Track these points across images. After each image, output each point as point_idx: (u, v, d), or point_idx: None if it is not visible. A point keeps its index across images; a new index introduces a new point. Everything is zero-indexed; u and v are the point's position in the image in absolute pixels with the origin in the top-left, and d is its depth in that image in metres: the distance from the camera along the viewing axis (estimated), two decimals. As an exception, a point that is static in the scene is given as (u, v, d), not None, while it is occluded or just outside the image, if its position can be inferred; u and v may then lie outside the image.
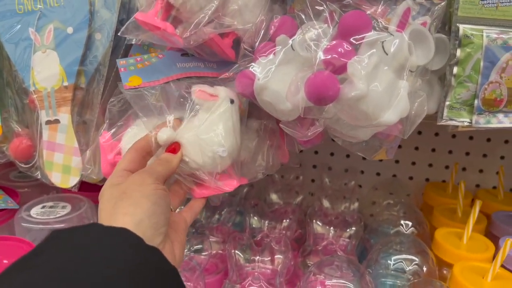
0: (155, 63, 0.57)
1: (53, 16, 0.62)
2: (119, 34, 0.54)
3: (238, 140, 0.55)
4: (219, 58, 0.59)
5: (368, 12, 0.52)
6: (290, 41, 0.51)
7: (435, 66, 0.56)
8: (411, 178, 0.95)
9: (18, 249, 0.63)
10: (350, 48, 0.47)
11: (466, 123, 0.56)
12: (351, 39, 0.47)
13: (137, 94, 0.53)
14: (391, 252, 0.68)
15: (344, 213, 0.79)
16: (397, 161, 0.94)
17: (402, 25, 0.49)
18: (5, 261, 0.60)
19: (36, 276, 0.29)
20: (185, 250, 0.69)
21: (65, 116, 0.63)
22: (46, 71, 0.62)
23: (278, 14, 0.56)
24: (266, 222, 0.75)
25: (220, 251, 0.74)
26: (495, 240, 0.71)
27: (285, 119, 0.53)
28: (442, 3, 0.51)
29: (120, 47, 0.63)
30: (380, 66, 0.46)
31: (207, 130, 0.51)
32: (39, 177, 0.65)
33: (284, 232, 0.75)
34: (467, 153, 0.91)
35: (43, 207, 0.71)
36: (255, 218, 0.74)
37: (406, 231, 0.75)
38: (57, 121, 0.63)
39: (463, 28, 0.54)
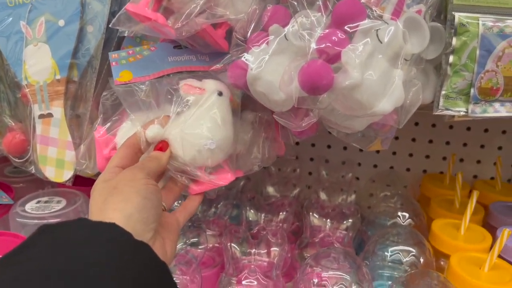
0: (147, 56, 0.57)
1: (44, 8, 0.61)
2: (110, 26, 0.53)
3: (230, 133, 0.54)
4: (212, 49, 0.58)
5: (363, 0, 0.51)
6: (284, 31, 0.51)
7: (431, 55, 0.55)
8: (408, 169, 0.95)
9: (13, 245, 0.62)
10: (344, 36, 0.46)
11: (462, 113, 0.55)
12: (345, 28, 0.46)
13: (127, 90, 0.52)
14: (388, 244, 0.67)
15: (341, 205, 0.79)
16: (394, 153, 0.94)
17: (396, 13, 0.48)
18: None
19: (23, 272, 0.29)
20: (181, 244, 0.69)
21: (58, 110, 0.62)
22: (38, 64, 0.62)
23: (270, 3, 0.55)
24: (263, 215, 0.74)
25: (217, 245, 0.73)
26: (492, 230, 0.71)
27: (279, 109, 0.52)
28: (436, -5, 0.50)
29: (113, 40, 0.62)
30: (375, 55, 0.45)
31: (195, 124, 0.50)
32: (33, 171, 0.65)
33: (280, 224, 0.75)
34: (465, 144, 0.91)
35: (38, 202, 0.71)
36: (252, 211, 0.74)
37: (403, 222, 0.75)
38: (50, 115, 0.63)
39: (458, 16, 0.53)
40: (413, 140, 0.92)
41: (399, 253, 0.66)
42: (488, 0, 0.52)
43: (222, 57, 0.56)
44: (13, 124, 0.66)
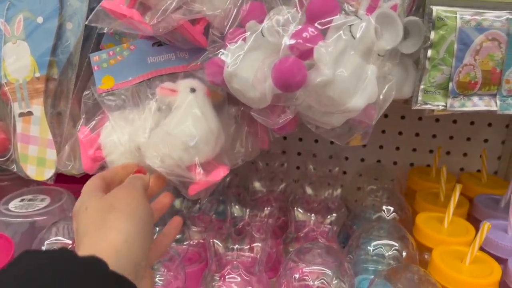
0: (127, 57, 0.57)
1: (22, 6, 0.61)
2: (87, 23, 0.53)
3: (213, 125, 0.54)
4: (191, 45, 0.58)
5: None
6: (260, 27, 0.51)
7: (409, 50, 0.55)
8: (395, 163, 0.95)
9: (-4, 243, 0.63)
10: (317, 32, 0.46)
11: (441, 107, 0.55)
12: (318, 24, 0.46)
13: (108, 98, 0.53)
14: (372, 238, 0.67)
15: (327, 200, 0.79)
16: (381, 147, 0.94)
17: (371, 9, 0.48)
18: (-17, 256, 0.60)
19: None
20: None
21: (38, 108, 0.62)
22: (17, 62, 0.61)
23: (248, -1, 0.55)
24: (248, 210, 0.74)
25: (202, 240, 0.73)
26: (477, 223, 0.71)
27: (256, 106, 0.52)
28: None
29: (92, 36, 0.61)
30: (347, 51, 0.45)
31: (173, 125, 0.51)
32: (15, 170, 0.65)
33: (266, 220, 0.75)
34: (451, 137, 0.91)
35: (22, 200, 0.71)
36: (237, 207, 0.74)
37: (388, 216, 0.75)
38: (30, 113, 0.62)
39: (436, 10, 0.53)
40: (400, 133, 0.92)
41: (381, 247, 0.66)
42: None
43: (201, 53, 0.56)
44: (-6, 122, 0.66)
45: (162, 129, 0.53)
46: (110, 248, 0.35)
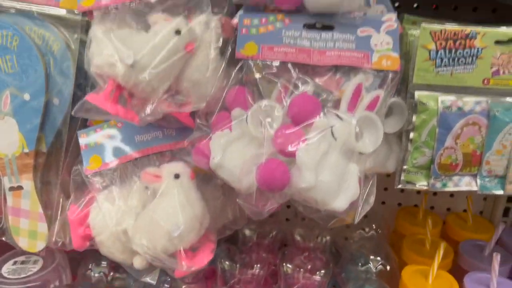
0: (114, 136, 0.58)
1: (8, 82, 0.61)
2: (72, 113, 0.53)
3: (197, 211, 0.55)
4: (178, 125, 0.59)
5: (323, 80, 0.52)
6: (245, 115, 0.51)
7: (392, 130, 0.56)
8: (383, 203, 0.96)
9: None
10: (300, 132, 0.47)
11: (423, 187, 0.56)
12: (301, 123, 0.47)
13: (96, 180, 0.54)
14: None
15: (316, 249, 0.81)
16: (370, 188, 0.95)
17: (353, 103, 0.49)
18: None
19: None
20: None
21: (28, 182, 0.62)
22: (5, 138, 0.62)
23: (234, 81, 0.56)
24: (238, 265, 0.76)
25: (194, 296, 0.75)
26: (462, 273, 0.73)
27: (243, 193, 0.53)
28: (396, 77, 0.51)
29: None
30: (329, 152, 0.46)
31: (157, 214, 0.52)
32: (7, 240, 0.66)
33: (257, 272, 0.77)
34: (438, 179, 0.92)
35: (15, 263, 0.72)
36: (227, 262, 0.76)
37: (375, 268, 0.77)
38: (20, 188, 0.63)
39: (418, 94, 0.54)
40: (388, 175, 0.93)
41: (368, 308, 0.68)
42: (447, 79, 0.53)
43: (188, 131, 0.57)
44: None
45: (148, 215, 0.54)
46: None
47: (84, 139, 0.58)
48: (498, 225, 0.76)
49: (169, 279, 0.70)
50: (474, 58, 0.52)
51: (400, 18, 0.60)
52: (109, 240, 0.56)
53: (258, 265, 0.76)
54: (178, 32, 0.50)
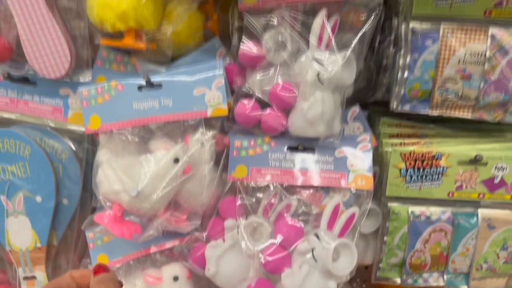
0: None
1: (22, 185, 0.67)
2: (82, 228, 0.60)
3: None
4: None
5: (305, 195, 0.59)
6: (237, 228, 0.58)
7: (369, 230, 0.62)
8: None
9: None
10: (287, 258, 0.53)
11: (397, 282, 0.63)
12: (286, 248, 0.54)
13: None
14: None
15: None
16: None
17: (332, 221, 0.55)
18: None
19: None
20: None
21: (41, 273, 0.69)
22: (20, 234, 0.68)
23: (227, 190, 0.62)
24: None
25: None
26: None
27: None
28: (370, 194, 0.57)
29: (87, 211, 0.68)
30: (310, 272, 0.53)
31: None
32: (22, 323, 0.72)
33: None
34: None
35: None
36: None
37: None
38: (33, 277, 0.69)
39: (390, 205, 0.60)
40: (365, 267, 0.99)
41: None
42: (416, 192, 0.59)
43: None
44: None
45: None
46: None
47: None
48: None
49: None
50: (440, 175, 0.58)
51: (377, 122, 0.66)
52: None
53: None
54: (176, 160, 0.56)
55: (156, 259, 0.64)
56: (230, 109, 0.59)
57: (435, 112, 0.59)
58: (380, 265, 0.62)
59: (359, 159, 0.58)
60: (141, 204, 0.55)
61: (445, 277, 0.63)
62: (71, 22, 0.61)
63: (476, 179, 0.58)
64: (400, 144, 0.60)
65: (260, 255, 0.55)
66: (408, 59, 0.57)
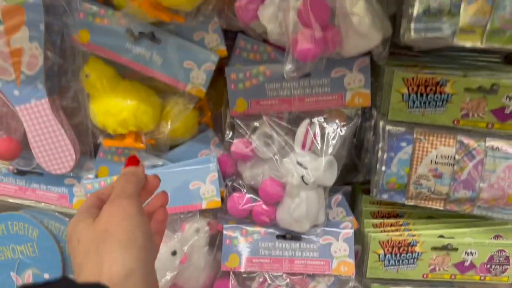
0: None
1: (30, 263, 0.72)
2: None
3: None
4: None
5: (293, 280, 0.64)
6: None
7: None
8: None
9: None
10: None
11: None
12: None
13: None
14: None
15: None
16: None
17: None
18: None
19: None
20: None
21: None
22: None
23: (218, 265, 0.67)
24: None
25: None
26: None
27: None
28: (351, 282, 0.63)
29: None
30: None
31: None
32: None
33: None
34: None
35: None
36: None
37: None
38: None
39: (372, 286, 0.66)
40: None
41: None
42: (393, 274, 0.65)
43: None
44: None
45: None
46: (110, 284, 0.31)
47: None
48: None
49: None
50: (415, 259, 0.64)
51: (360, 199, 0.72)
52: None
53: None
54: (174, 253, 0.61)
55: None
56: (223, 197, 0.65)
57: (410, 202, 0.64)
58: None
59: (342, 246, 0.63)
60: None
61: None
62: (74, 118, 0.66)
63: (448, 262, 0.64)
64: (381, 231, 0.65)
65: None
66: (385, 156, 0.62)
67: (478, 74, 0.57)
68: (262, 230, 0.64)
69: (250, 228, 0.65)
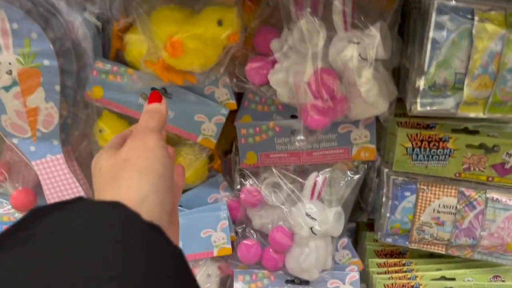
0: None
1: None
2: None
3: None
4: None
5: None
6: None
7: None
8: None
9: None
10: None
11: None
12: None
13: None
14: None
15: None
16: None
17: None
18: None
19: (15, 266, 0.23)
20: None
21: None
22: None
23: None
24: None
25: None
26: None
27: None
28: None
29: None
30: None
31: None
32: None
33: None
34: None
35: None
36: None
37: None
38: None
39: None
40: None
41: None
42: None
43: None
44: None
45: None
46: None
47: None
48: None
49: None
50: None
51: (364, 236, 0.75)
52: None
53: None
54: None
55: None
56: (233, 242, 0.67)
57: (414, 246, 0.67)
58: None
59: (349, 289, 0.66)
60: None
61: None
62: (87, 169, 0.68)
63: (449, 304, 0.67)
64: (385, 272, 0.68)
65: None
66: (389, 203, 0.64)
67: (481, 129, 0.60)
68: (272, 275, 0.67)
69: (260, 273, 0.67)
